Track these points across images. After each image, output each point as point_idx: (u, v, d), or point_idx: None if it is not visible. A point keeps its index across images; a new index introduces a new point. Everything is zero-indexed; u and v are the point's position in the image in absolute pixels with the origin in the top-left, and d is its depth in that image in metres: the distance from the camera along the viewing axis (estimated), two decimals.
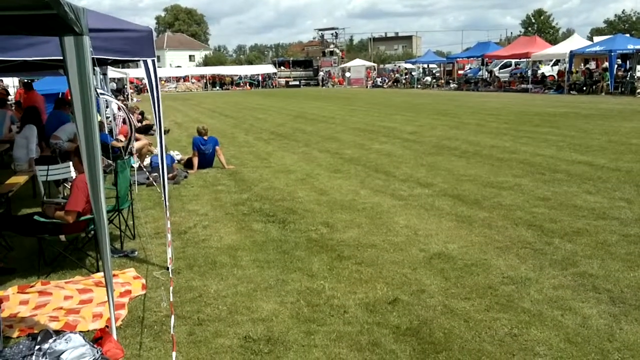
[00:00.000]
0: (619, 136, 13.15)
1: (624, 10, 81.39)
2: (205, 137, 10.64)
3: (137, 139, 11.10)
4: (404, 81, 50.98)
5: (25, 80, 16.67)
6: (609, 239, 5.71)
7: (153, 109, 5.86)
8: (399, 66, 56.36)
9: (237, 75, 62.15)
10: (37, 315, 4.36)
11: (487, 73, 42.23)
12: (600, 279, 4.71)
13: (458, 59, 48.69)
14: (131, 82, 40.85)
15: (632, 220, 6.35)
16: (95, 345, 3.50)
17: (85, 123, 3.32)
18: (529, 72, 37.44)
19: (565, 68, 33.87)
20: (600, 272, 4.86)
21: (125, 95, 28.73)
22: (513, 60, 41.77)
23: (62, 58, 3.25)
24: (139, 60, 5.82)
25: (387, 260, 5.33)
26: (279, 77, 61.57)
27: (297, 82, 61.04)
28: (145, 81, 5.96)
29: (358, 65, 59.56)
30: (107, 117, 14.14)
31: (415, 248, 5.66)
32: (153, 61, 5.58)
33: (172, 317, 4.02)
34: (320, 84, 60.13)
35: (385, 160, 11.05)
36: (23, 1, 2.65)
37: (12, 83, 27.12)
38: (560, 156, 10.67)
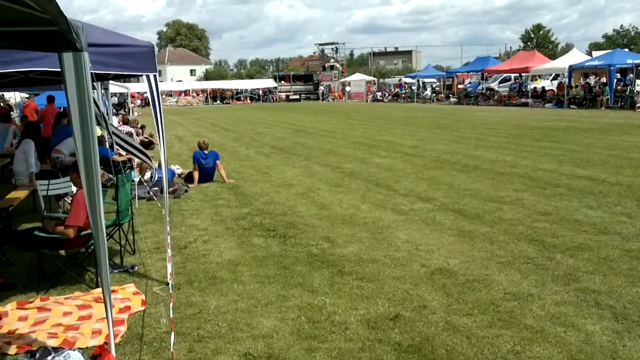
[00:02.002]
0: (619, 150, 13.16)
1: (622, 25, 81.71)
2: (206, 151, 10.65)
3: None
4: (403, 95, 51.16)
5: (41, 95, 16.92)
6: (610, 254, 5.68)
7: (155, 123, 5.88)
8: (403, 81, 56.52)
9: (237, 89, 62.39)
10: (35, 331, 4.32)
11: (486, 89, 42.41)
12: (602, 294, 4.68)
13: (458, 74, 48.94)
14: (132, 97, 40.98)
15: (633, 235, 6.33)
16: None
17: (84, 138, 3.31)
18: (529, 87, 37.61)
19: (564, 82, 34.02)
20: (603, 287, 4.83)
21: (127, 110, 28.81)
22: (512, 75, 41.98)
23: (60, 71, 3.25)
24: (140, 75, 5.85)
25: (388, 276, 5.30)
26: (280, 91, 61.81)
27: (298, 96, 61.29)
28: (147, 95, 6.00)
29: (358, 79, 59.82)
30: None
31: (417, 263, 5.63)
32: (155, 76, 5.61)
33: (172, 333, 3.99)
34: (321, 98, 60.35)
35: (385, 174, 11.05)
36: (24, 17, 2.66)
37: (14, 98, 27.23)
38: (561, 170, 10.67)
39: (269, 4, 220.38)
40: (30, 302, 4.84)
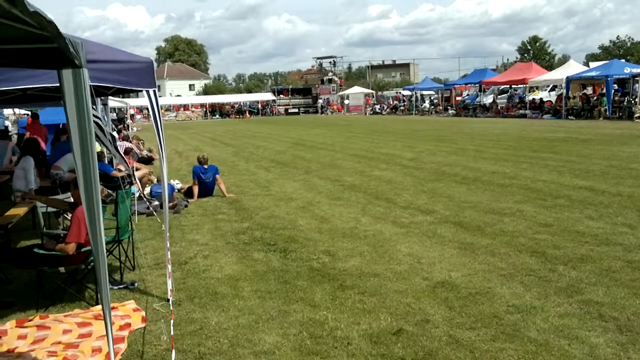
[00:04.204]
0: (618, 161, 13.16)
1: (618, 36, 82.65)
2: (206, 166, 10.64)
3: (137, 169, 11.11)
4: (402, 108, 51.33)
5: (32, 111, 16.95)
6: (613, 266, 5.65)
7: (158, 138, 5.87)
8: (402, 94, 56.76)
9: (236, 103, 62.56)
10: (35, 350, 4.28)
11: (486, 99, 42.57)
12: (606, 306, 4.65)
13: (455, 86, 49.13)
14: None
15: (635, 246, 6.30)
16: None
17: (84, 155, 3.30)
18: (527, 98, 37.74)
19: (562, 93, 34.12)
20: (606, 299, 4.80)
21: (126, 125, 28.84)
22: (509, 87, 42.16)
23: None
24: (140, 91, 5.86)
25: (390, 290, 5.27)
26: (278, 105, 62.02)
27: (296, 110, 61.49)
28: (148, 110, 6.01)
29: (356, 92, 60.02)
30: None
31: (419, 277, 5.60)
32: (154, 91, 5.62)
33: (173, 351, 3.95)
34: (319, 111, 60.50)
35: (385, 187, 11.03)
36: (22, 35, 2.65)
37: (12, 115, 27.26)
38: (561, 181, 10.66)
39: (267, 19, 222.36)
40: (30, 320, 4.80)
